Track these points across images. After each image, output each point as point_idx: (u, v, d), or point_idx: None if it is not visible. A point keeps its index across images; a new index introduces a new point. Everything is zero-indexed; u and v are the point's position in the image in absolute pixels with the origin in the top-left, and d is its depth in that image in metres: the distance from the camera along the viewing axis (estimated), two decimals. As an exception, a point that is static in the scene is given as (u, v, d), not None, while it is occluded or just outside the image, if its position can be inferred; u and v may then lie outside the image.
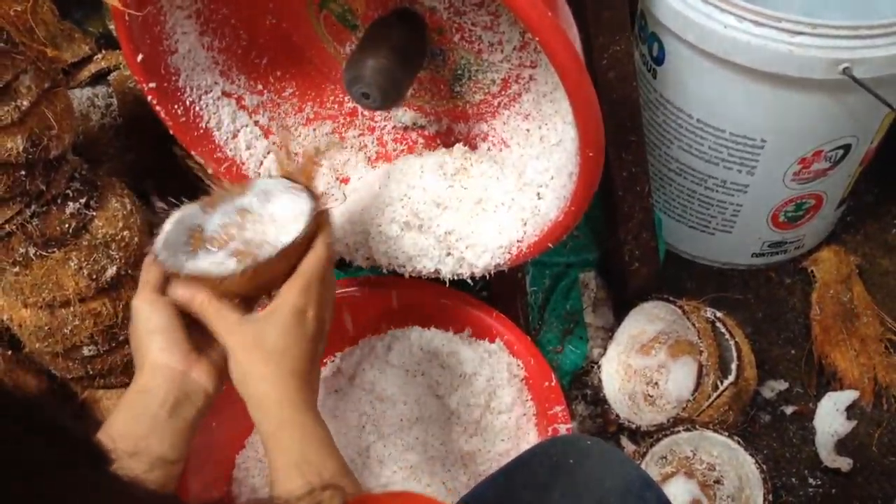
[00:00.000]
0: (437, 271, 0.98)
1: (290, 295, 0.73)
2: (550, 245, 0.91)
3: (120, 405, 0.70)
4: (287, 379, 0.70)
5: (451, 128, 1.05)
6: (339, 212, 1.00)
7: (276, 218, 0.79)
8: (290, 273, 0.74)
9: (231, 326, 0.72)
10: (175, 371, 0.71)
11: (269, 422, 0.69)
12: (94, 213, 0.96)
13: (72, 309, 0.96)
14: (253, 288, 0.75)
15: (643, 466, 1.11)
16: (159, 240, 0.76)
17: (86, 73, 1.14)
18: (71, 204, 0.93)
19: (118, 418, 0.69)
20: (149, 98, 0.90)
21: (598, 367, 1.28)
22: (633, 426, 1.20)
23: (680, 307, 1.22)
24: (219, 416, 1.04)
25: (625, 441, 1.23)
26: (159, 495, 0.32)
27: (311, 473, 0.65)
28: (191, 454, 0.99)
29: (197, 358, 0.73)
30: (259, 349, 0.70)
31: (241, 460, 1.09)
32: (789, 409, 1.27)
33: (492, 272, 0.97)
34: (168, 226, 0.77)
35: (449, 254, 0.96)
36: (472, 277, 0.98)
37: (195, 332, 0.74)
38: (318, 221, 0.77)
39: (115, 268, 0.96)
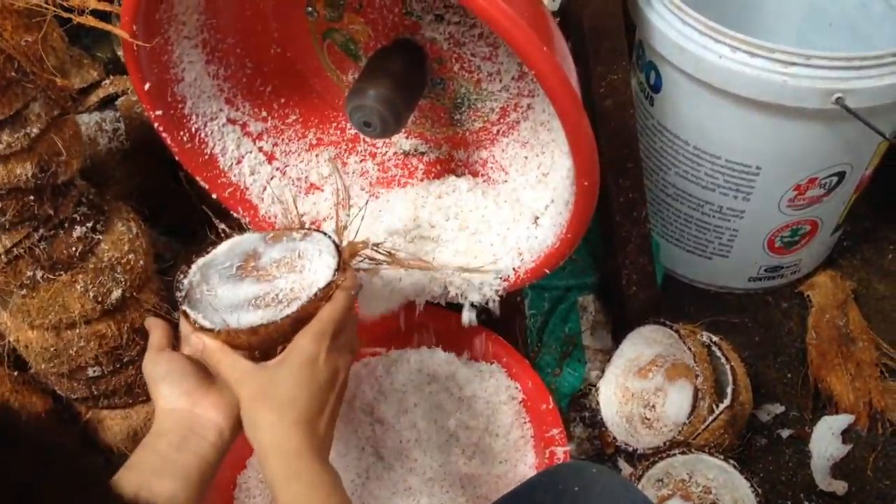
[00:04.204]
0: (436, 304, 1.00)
1: (303, 341, 0.72)
2: (547, 271, 0.93)
3: (137, 449, 0.72)
4: (293, 428, 0.69)
5: (452, 154, 1.07)
6: None
7: (316, 277, 0.80)
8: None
9: (241, 375, 0.72)
10: (181, 411, 0.73)
11: (276, 471, 0.68)
12: (101, 237, 0.97)
13: (77, 331, 0.97)
14: (265, 342, 0.75)
15: (639, 489, 1.12)
16: (200, 262, 0.80)
17: (94, 97, 1.16)
18: (78, 228, 0.95)
19: (134, 460, 0.71)
20: (155, 125, 0.92)
21: (596, 389, 1.29)
22: (630, 449, 1.21)
23: (676, 331, 1.23)
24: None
25: (622, 463, 1.24)
26: None
27: None
28: None
29: (204, 393, 0.74)
30: (267, 398, 0.70)
31: (242, 480, 1.10)
32: (785, 433, 1.28)
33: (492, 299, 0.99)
34: (223, 247, 0.81)
35: (446, 288, 0.98)
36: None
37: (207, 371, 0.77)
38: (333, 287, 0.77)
39: (120, 290, 0.98)
